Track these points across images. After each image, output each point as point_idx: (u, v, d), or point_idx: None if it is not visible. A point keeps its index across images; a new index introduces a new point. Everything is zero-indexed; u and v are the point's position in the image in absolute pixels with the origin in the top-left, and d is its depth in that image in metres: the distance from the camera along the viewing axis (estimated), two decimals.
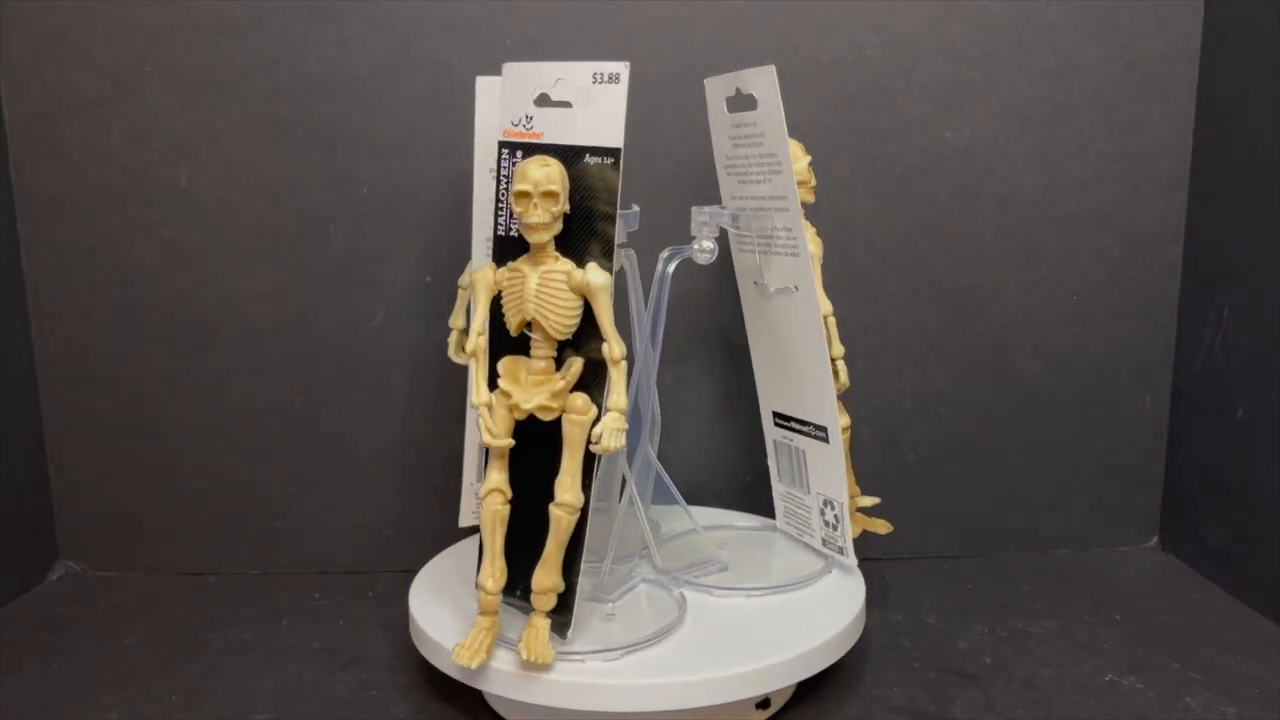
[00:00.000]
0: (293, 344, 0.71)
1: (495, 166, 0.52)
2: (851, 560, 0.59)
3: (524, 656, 0.48)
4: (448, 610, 0.55)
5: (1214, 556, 0.70)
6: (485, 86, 0.59)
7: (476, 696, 0.55)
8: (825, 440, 0.59)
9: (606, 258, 0.49)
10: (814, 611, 0.55)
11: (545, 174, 0.48)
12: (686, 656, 0.50)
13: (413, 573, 0.61)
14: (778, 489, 0.65)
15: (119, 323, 0.71)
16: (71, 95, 0.68)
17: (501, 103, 0.51)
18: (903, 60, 0.70)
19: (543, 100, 0.51)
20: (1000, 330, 0.73)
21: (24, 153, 0.69)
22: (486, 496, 0.49)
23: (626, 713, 0.48)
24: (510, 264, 0.50)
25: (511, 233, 0.51)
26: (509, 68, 0.51)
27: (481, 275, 0.50)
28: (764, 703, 0.53)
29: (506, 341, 0.51)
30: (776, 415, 0.64)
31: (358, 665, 0.59)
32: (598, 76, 0.49)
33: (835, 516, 0.60)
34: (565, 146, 0.50)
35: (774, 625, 0.53)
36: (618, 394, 0.48)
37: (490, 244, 0.59)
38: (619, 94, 0.49)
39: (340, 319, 0.71)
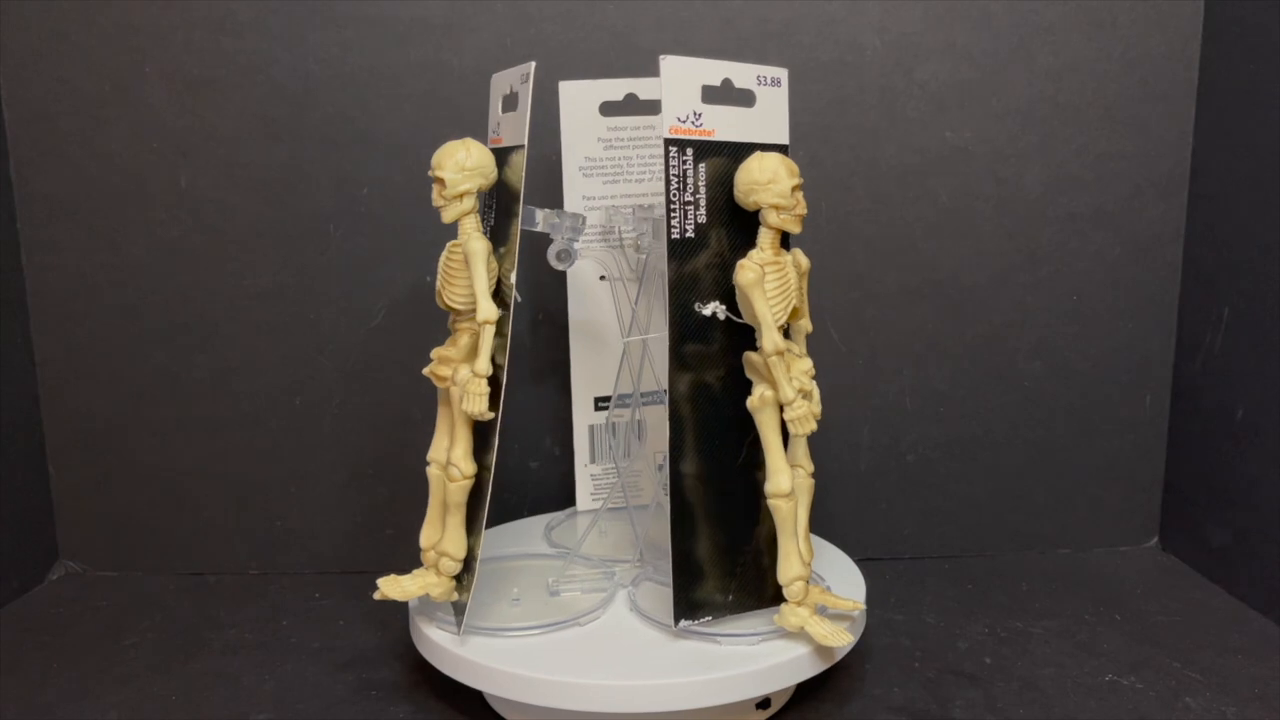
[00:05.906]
0: (293, 344, 0.71)
1: (664, 165, 0.50)
2: None
3: (834, 644, 0.50)
4: (448, 611, 0.55)
5: (1214, 556, 0.70)
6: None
7: (476, 697, 0.55)
8: None
9: (786, 248, 0.51)
10: None
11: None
12: (686, 656, 0.50)
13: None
14: (589, 471, 0.69)
15: (119, 323, 0.71)
16: (71, 95, 0.68)
17: (665, 97, 0.49)
18: (903, 60, 0.70)
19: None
20: (1000, 330, 0.73)
21: (24, 153, 0.69)
22: (788, 494, 0.51)
23: (627, 713, 0.48)
24: (759, 257, 0.49)
25: (686, 234, 0.50)
26: (671, 61, 0.49)
27: (758, 274, 0.49)
28: (764, 703, 0.53)
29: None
30: (598, 399, 0.68)
31: (358, 665, 0.59)
32: (761, 79, 0.52)
33: None
34: (741, 144, 0.51)
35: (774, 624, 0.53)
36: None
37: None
38: (782, 95, 0.52)
39: (340, 319, 0.71)
